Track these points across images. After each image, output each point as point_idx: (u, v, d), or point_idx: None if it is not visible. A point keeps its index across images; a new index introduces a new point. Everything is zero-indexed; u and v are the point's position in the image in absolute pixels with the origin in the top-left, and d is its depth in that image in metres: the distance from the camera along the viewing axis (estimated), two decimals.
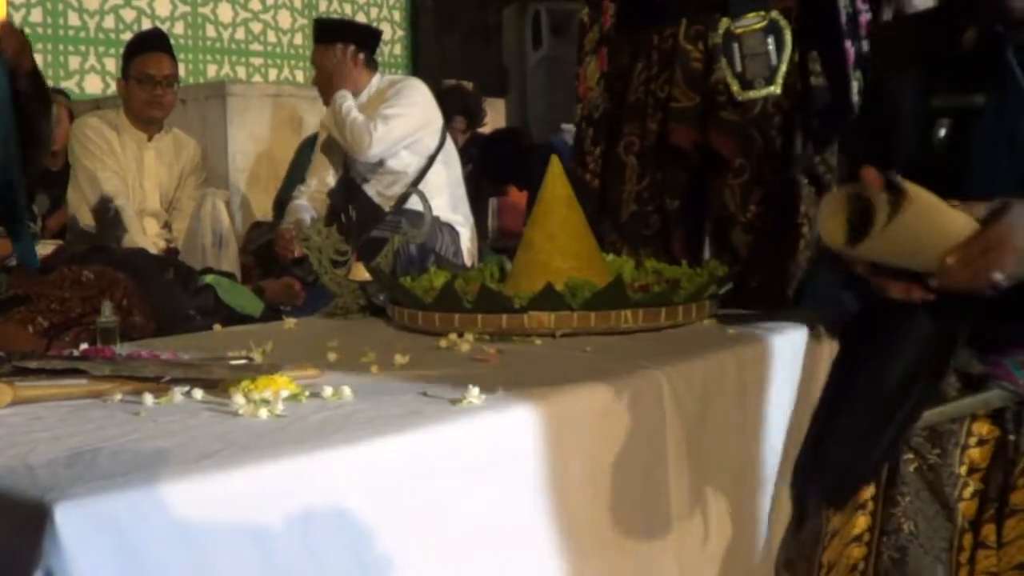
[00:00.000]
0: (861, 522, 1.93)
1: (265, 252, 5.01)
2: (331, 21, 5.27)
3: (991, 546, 1.82)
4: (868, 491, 1.94)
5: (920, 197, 1.58)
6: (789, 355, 2.18)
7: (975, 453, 1.91)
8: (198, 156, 5.19)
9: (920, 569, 1.88)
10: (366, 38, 5.15)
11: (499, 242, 6.02)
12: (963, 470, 1.90)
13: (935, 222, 1.62)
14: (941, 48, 1.93)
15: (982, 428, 1.92)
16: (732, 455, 2.01)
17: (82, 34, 8.43)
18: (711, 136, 2.67)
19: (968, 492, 1.88)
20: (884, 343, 2.01)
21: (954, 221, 1.63)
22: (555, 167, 2.35)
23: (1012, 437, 1.87)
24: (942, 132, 1.84)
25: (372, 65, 5.02)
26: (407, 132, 4.74)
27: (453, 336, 2.06)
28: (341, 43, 4.95)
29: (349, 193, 4.84)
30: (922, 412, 1.91)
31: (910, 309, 1.95)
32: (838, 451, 1.97)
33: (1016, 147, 1.79)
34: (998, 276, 1.61)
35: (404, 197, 4.67)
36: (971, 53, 1.88)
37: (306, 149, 6.36)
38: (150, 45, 5.10)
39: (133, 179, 4.88)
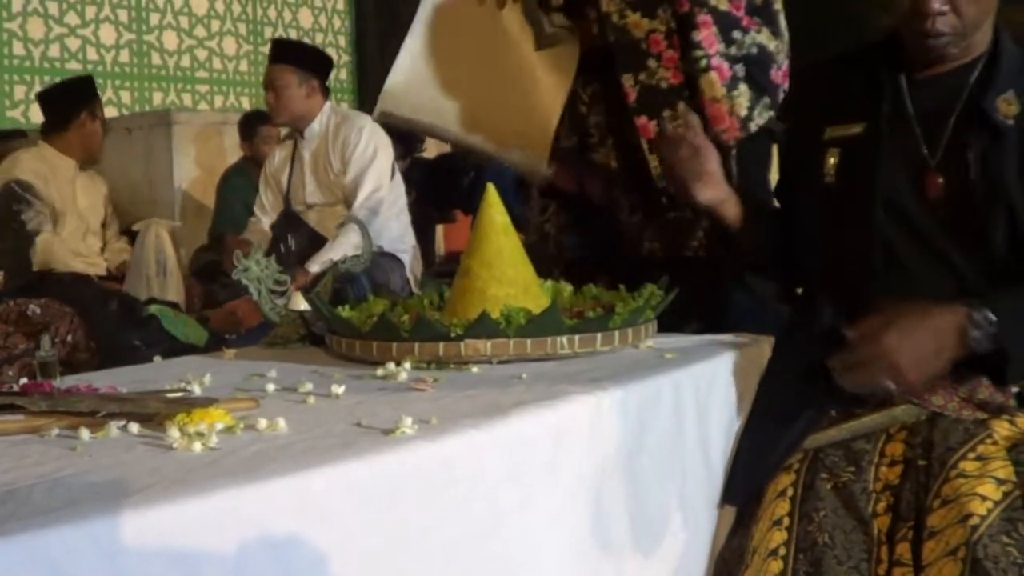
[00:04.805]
0: (777, 537, 1.98)
1: (208, 271, 5.03)
2: (290, 42, 5.27)
3: (907, 564, 1.87)
4: (783, 506, 2.00)
5: None
6: (726, 378, 2.21)
7: (887, 472, 1.97)
8: (106, 190, 5.34)
9: None
10: (322, 65, 5.20)
11: (446, 266, 6.04)
12: (878, 487, 1.96)
13: None
14: (836, 88, 2.13)
15: (895, 449, 1.99)
16: (670, 479, 2.03)
17: (27, 63, 8.40)
18: (583, 177, 2.77)
19: (881, 507, 1.94)
20: (783, 356, 2.12)
21: None
22: (490, 195, 2.36)
23: (923, 462, 1.93)
24: (832, 160, 2.05)
25: (325, 93, 5.06)
26: (381, 184, 4.86)
27: (391, 365, 2.08)
28: (298, 66, 4.99)
29: (289, 224, 4.86)
30: (824, 418, 2.02)
31: (808, 329, 2.07)
32: (744, 455, 2.11)
33: (893, 167, 1.98)
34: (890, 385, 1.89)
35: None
36: (858, 89, 2.08)
37: (229, 182, 6.37)
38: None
39: (70, 202, 4.92)
